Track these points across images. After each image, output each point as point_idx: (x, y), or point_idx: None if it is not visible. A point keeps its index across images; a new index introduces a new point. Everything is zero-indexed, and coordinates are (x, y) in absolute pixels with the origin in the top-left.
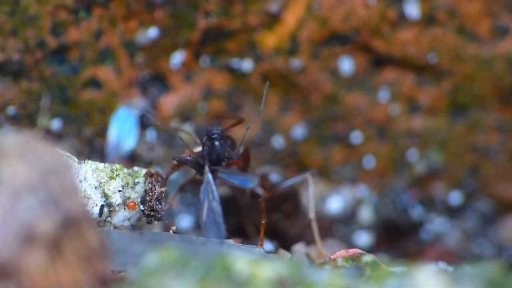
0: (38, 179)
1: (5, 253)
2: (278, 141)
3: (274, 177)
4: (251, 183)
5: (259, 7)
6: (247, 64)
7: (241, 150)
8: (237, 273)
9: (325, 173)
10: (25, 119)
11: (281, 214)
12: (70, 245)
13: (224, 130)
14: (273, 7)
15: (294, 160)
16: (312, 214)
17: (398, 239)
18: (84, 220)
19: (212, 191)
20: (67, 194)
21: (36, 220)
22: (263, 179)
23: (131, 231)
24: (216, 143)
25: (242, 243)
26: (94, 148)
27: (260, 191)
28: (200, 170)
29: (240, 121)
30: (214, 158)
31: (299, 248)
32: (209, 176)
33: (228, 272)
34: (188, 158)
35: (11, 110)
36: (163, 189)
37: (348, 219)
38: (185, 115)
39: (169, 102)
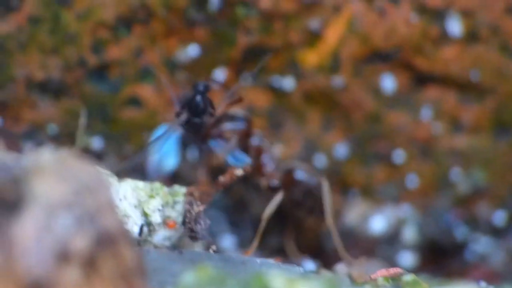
0: (73, 196)
1: (40, 270)
2: (320, 160)
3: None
4: (241, 163)
5: (300, 24)
6: (288, 82)
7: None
8: None
9: (367, 192)
10: (66, 138)
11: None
12: (105, 262)
13: (209, 84)
14: (314, 24)
15: (336, 179)
16: (329, 220)
17: (442, 259)
18: (120, 238)
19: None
20: (103, 211)
21: (71, 237)
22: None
23: (170, 250)
24: (197, 96)
25: (283, 262)
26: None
27: (275, 183)
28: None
29: (239, 100)
30: (193, 109)
31: (341, 267)
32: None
33: None
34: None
35: (52, 128)
36: (202, 208)
37: (391, 239)
38: None
39: (211, 119)
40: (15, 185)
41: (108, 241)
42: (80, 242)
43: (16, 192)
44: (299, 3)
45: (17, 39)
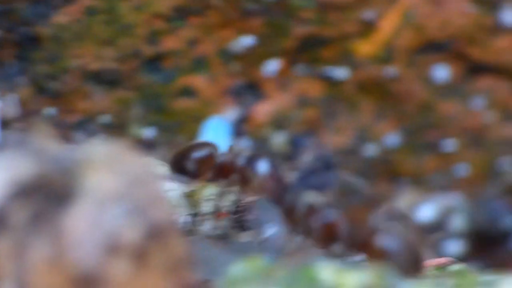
0: (123, 189)
1: (91, 262)
2: (371, 149)
3: None
4: None
5: (355, 15)
6: (342, 72)
7: None
8: (323, 283)
9: (417, 181)
10: (119, 128)
11: None
12: (155, 255)
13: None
14: (369, 15)
15: (385, 168)
16: None
17: (491, 248)
18: (169, 230)
19: None
20: (153, 203)
21: (122, 230)
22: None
23: (219, 240)
24: None
25: None
26: None
27: None
28: None
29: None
30: None
31: None
32: None
33: (313, 282)
34: None
35: (105, 118)
36: (253, 198)
37: (439, 227)
38: (279, 123)
39: (264, 110)
40: (66, 177)
41: (159, 233)
42: (131, 235)
43: (67, 184)
44: None
45: (73, 30)
